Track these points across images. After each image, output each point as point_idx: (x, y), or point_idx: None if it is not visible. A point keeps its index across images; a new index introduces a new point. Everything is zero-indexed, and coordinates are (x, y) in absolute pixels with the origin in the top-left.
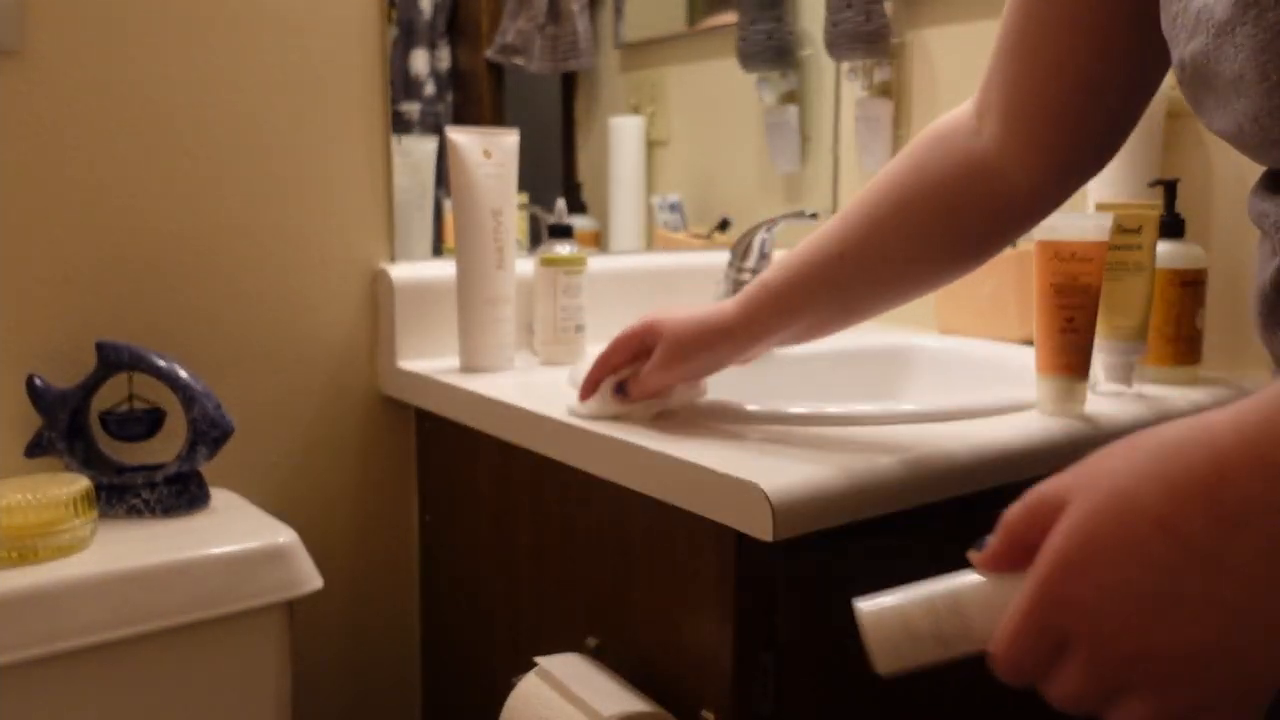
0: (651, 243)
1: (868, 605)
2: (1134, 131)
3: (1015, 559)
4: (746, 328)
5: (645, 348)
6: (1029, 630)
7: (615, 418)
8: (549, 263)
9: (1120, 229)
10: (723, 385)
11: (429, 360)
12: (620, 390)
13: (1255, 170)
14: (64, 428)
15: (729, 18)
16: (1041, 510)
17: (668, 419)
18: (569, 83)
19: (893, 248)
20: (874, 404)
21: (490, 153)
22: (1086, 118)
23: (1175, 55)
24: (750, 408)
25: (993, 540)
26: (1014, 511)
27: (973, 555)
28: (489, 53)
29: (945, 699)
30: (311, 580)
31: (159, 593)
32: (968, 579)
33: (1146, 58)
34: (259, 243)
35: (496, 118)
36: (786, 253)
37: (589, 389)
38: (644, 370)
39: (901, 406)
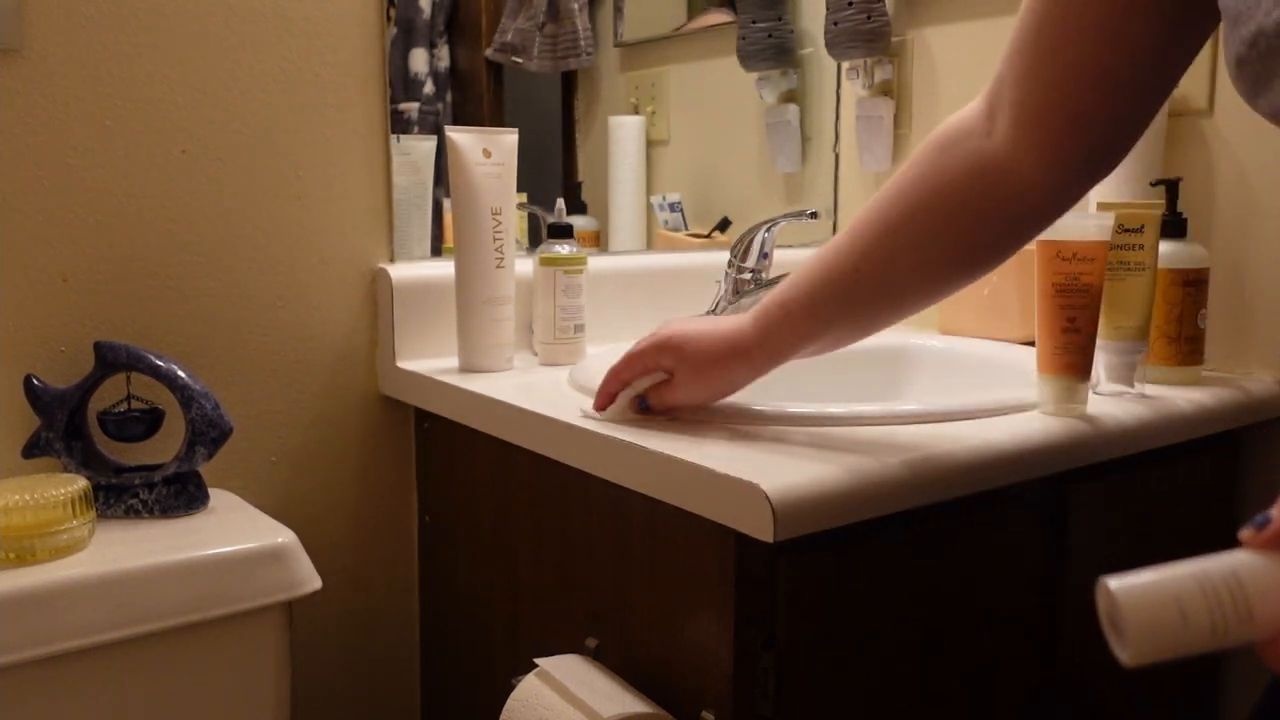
0: (651, 242)
1: (1124, 584)
2: None
3: None
4: (764, 349)
5: (658, 364)
6: None
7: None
8: (548, 262)
9: (1122, 228)
10: None
11: (428, 360)
12: (642, 405)
13: (1257, 168)
14: (62, 428)
15: (722, 16)
16: None
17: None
18: (569, 82)
19: (905, 257)
20: (874, 404)
21: (490, 152)
22: (1103, 117)
23: (1245, 31)
24: (751, 407)
25: None
26: None
27: (1249, 534)
28: (488, 52)
29: (945, 699)
30: (311, 581)
31: (157, 593)
32: (1245, 558)
33: (1169, 57)
34: (258, 242)
35: (496, 117)
36: (800, 269)
37: (605, 400)
38: (665, 390)
39: (901, 406)
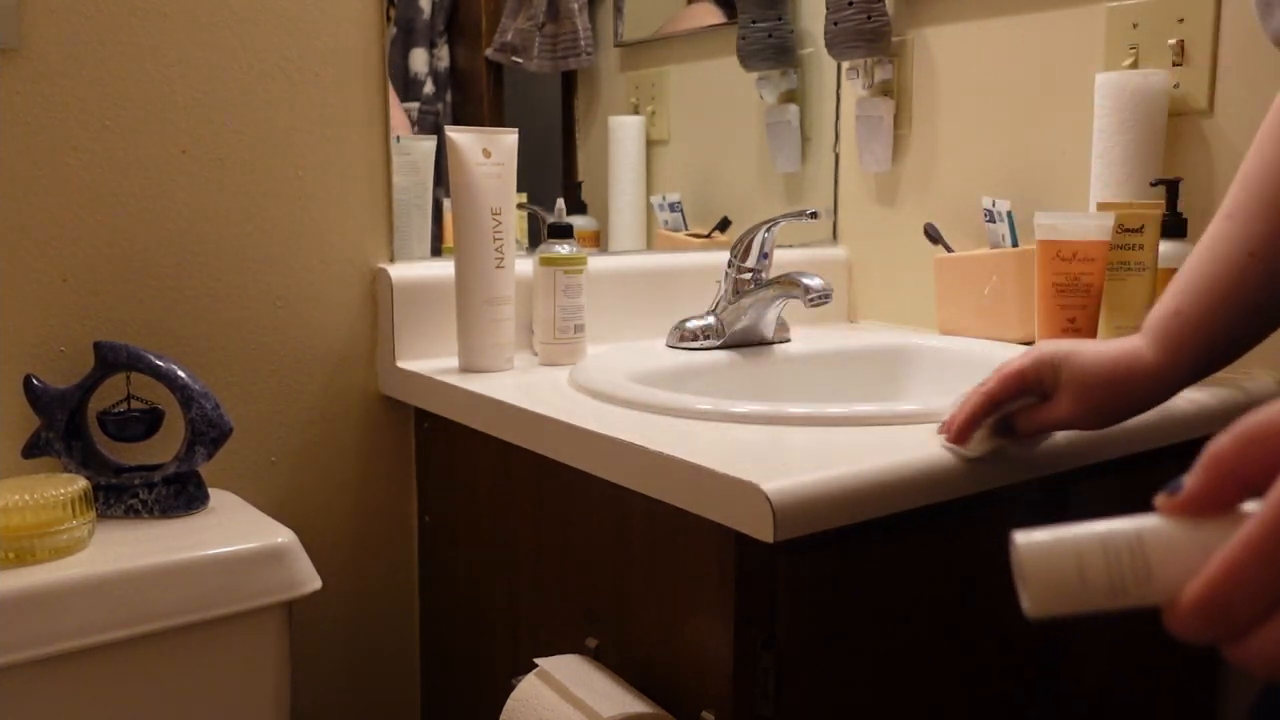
0: (651, 242)
1: (1029, 539)
2: (1135, 131)
3: (1221, 500)
4: (1173, 367)
5: (1039, 383)
6: (1254, 569)
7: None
8: (548, 262)
9: (1122, 228)
10: (723, 385)
11: (428, 360)
12: (1005, 428)
13: None
14: (62, 428)
15: (715, 14)
16: (1262, 440)
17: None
18: (569, 82)
19: None
20: (874, 404)
21: (490, 152)
22: None
23: None
24: (750, 408)
25: (1192, 479)
26: (1222, 445)
27: (1162, 500)
28: (488, 52)
29: (945, 699)
30: (310, 581)
31: (157, 593)
32: (1154, 522)
33: None
34: (258, 242)
35: (496, 117)
36: (1179, 275)
37: (970, 427)
38: (1039, 411)
39: (901, 406)
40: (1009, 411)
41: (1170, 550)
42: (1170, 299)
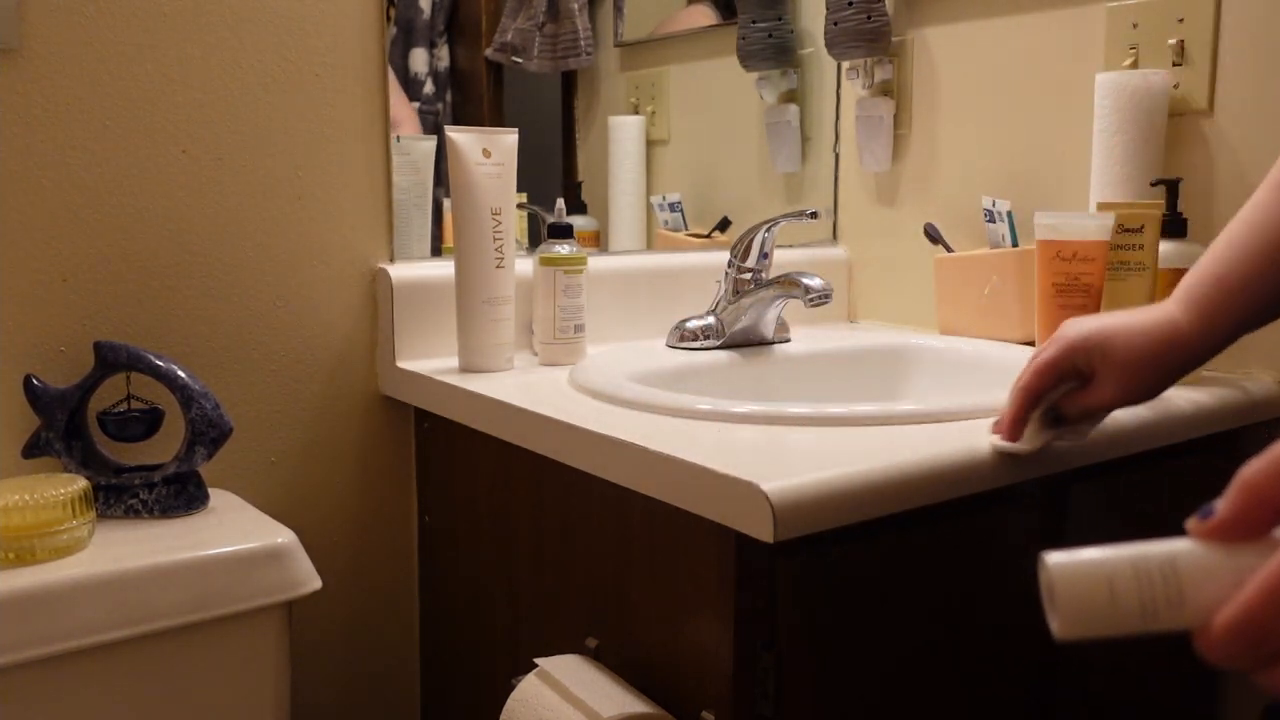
0: (651, 242)
1: (1061, 559)
2: (1135, 131)
3: (1253, 525)
4: (1204, 334)
5: (1074, 370)
6: None
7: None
8: (548, 262)
9: (1122, 228)
10: (723, 385)
11: (428, 360)
12: (1054, 418)
13: (1257, 168)
14: (62, 428)
15: (707, 16)
16: None
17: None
18: (568, 82)
19: None
20: (874, 404)
21: (490, 152)
22: None
23: None
24: (750, 408)
25: (1225, 504)
26: (1255, 471)
27: (1194, 524)
28: (488, 52)
29: (945, 698)
30: (310, 581)
31: (157, 593)
32: (1186, 544)
33: None
34: (258, 242)
35: (496, 117)
36: (1218, 244)
37: (1017, 425)
38: (1083, 395)
39: (901, 406)
40: (1054, 400)
41: (1203, 574)
42: (1211, 265)
